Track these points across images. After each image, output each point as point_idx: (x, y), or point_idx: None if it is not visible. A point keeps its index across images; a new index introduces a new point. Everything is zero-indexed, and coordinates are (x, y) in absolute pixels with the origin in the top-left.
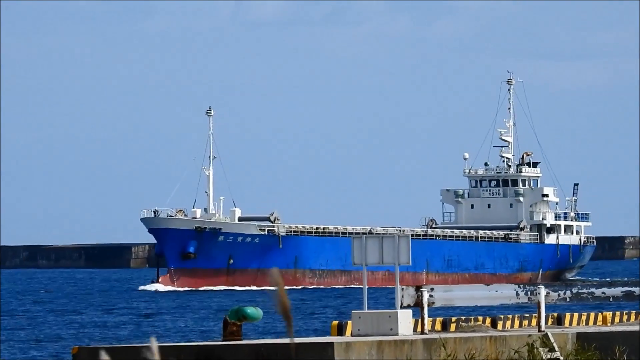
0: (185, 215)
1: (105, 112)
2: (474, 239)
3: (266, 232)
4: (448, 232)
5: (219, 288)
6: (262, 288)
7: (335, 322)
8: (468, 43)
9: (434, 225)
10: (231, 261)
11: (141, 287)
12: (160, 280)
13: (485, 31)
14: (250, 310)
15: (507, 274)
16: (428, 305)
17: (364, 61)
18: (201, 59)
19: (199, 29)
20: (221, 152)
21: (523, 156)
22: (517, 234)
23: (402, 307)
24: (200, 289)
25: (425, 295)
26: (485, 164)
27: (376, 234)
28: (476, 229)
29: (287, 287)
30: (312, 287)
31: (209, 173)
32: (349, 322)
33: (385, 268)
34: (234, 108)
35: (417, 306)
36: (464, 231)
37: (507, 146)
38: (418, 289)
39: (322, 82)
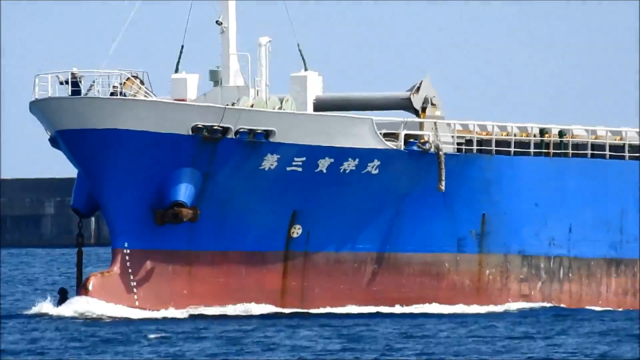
0: (150, 91)
1: None
2: None
3: (405, 145)
4: None
5: (265, 310)
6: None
7: None
8: None
9: None
10: (296, 232)
11: None
12: (90, 286)
13: None
14: None
15: None
16: None
17: None
18: None
19: None
20: None
21: None
22: None
23: None
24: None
25: None
26: None
27: None
28: None
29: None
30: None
31: None
32: None
33: None
34: None
35: None
36: None
37: None
38: None
39: None
